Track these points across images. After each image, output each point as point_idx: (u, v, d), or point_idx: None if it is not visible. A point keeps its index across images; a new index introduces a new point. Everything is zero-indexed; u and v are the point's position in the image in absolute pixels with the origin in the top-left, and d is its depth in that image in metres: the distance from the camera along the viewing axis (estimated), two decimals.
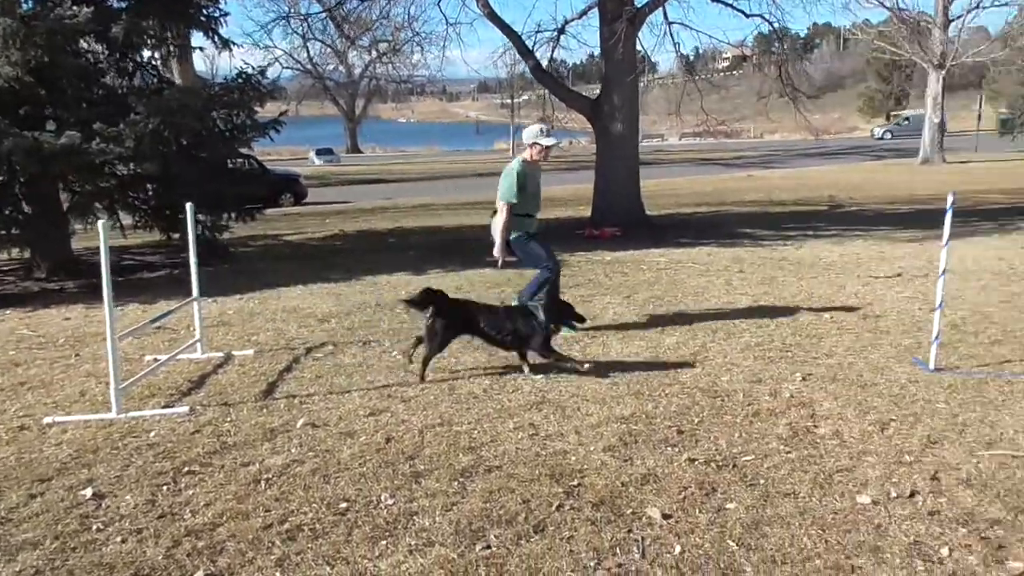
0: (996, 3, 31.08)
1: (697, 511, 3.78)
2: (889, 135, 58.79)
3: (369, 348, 6.82)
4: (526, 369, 5.93)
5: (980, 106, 44.15)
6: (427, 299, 5.86)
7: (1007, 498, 3.90)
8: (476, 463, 4.36)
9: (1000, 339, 6.71)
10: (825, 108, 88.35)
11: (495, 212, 6.97)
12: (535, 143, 6.92)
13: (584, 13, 15.76)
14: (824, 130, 56.76)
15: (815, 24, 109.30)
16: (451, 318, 5.86)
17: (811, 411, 5.07)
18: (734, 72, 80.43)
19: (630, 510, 3.81)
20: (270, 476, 4.26)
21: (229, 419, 5.15)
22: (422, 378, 5.81)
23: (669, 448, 4.52)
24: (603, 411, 5.12)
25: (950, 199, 5.84)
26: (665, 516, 3.74)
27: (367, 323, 7.76)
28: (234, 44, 12.38)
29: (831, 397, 5.32)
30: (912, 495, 3.93)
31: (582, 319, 6.43)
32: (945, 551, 3.42)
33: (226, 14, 12.01)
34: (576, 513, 3.78)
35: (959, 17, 31.86)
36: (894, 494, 3.93)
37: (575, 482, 4.11)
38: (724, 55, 79.62)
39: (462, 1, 19.01)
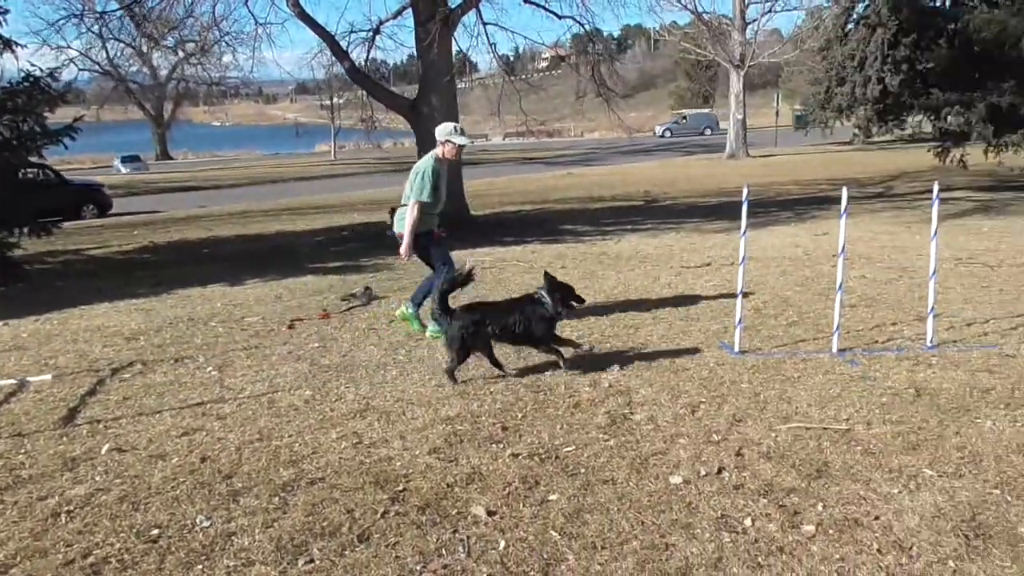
0: (786, 8, 33.63)
1: (521, 505, 3.85)
2: (669, 132, 62.17)
3: (182, 365, 6.49)
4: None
5: (777, 103, 47.52)
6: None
7: (801, 467, 4.21)
8: (297, 476, 4.24)
9: (796, 320, 7.24)
10: (639, 107, 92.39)
11: (393, 209, 6.96)
12: (448, 141, 6.94)
13: (398, 13, 15.71)
14: (638, 128, 59.43)
15: (627, 26, 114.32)
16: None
17: (628, 399, 5.28)
18: (552, 72, 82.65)
19: (455, 510, 3.82)
20: (71, 508, 3.96)
21: (23, 451, 4.75)
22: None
23: (494, 445, 4.58)
24: (429, 414, 5.12)
25: (744, 191, 6.25)
26: (490, 513, 3.78)
27: (179, 339, 7.38)
28: (18, 44, 11.44)
29: (647, 384, 5.56)
30: (719, 471, 4.17)
31: (581, 300, 6.28)
32: (748, 521, 3.66)
33: (6, 11, 11.06)
34: (401, 518, 3.75)
35: (754, 20, 34.24)
36: (703, 472, 4.16)
37: (400, 487, 4.08)
38: (543, 56, 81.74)
39: (271, 1, 18.44)
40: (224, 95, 69.66)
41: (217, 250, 14.06)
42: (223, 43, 24.03)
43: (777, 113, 46.97)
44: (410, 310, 7.38)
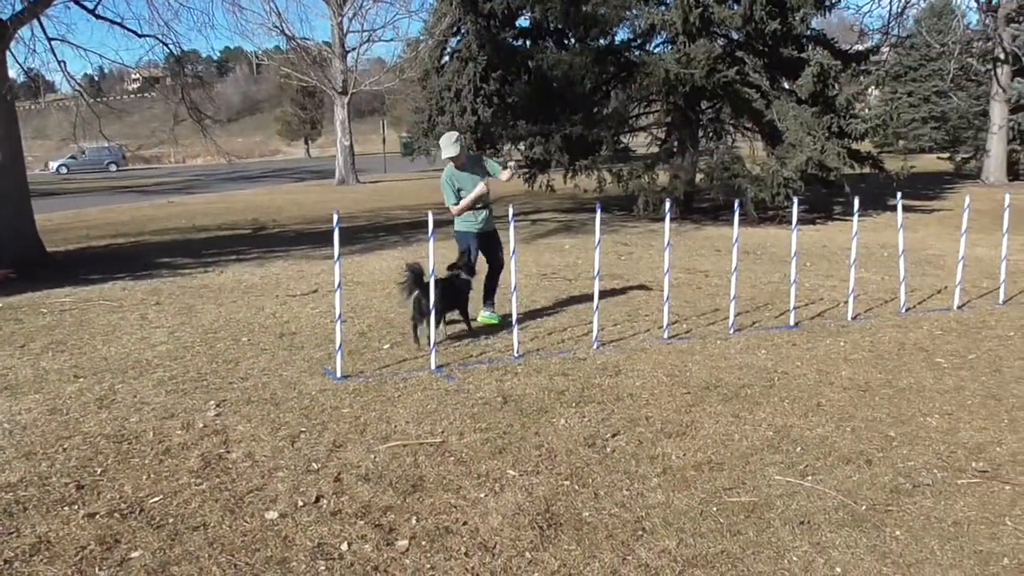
0: (383, 39, 34.96)
1: (96, 569, 3.50)
2: (65, 169, 54.81)
3: None
4: None
5: (384, 130, 49.17)
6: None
7: (398, 484, 4.37)
8: None
9: (399, 341, 7.49)
10: (246, 131, 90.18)
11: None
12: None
13: None
14: (244, 154, 56.92)
15: (227, 48, 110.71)
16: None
17: (224, 437, 5.07)
18: (146, 95, 77.17)
19: None
20: None
21: None
22: None
23: (66, 508, 4.10)
24: None
25: (335, 218, 6.36)
26: None
27: None
28: None
29: (245, 420, 5.39)
30: (317, 500, 4.17)
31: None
32: (345, 546, 3.70)
33: None
34: None
35: (354, 49, 35.01)
36: (301, 503, 4.13)
37: None
38: (134, 76, 76.02)
39: None
40: None
41: None
42: None
43: (384, 140, 48.61)
44: (487, 312, 8.18)
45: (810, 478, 4.47)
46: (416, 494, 4.27)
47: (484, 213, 8.08)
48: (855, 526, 3.94)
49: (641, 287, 10.03)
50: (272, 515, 3.98)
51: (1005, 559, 3.67)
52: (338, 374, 6.33)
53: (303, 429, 5.21)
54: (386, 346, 7.36)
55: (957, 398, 5.81)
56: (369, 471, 4.55)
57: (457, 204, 7.89)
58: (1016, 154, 28.29)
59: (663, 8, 17.94)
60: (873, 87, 20.59)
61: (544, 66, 18.98)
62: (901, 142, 41.67)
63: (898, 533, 3.88)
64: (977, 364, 6.65)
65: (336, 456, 4.78)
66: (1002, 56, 26.71)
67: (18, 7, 12.75)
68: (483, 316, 8.18)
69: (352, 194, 30.55)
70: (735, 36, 18.17)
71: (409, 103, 41.74)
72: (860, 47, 22.27)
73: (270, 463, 4.66)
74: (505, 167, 8.07)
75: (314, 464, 4.65)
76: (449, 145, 7.78)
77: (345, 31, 33.93)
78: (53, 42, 13.80)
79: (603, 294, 8.08)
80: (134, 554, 3.62)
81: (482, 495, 4.27)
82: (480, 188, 7.81)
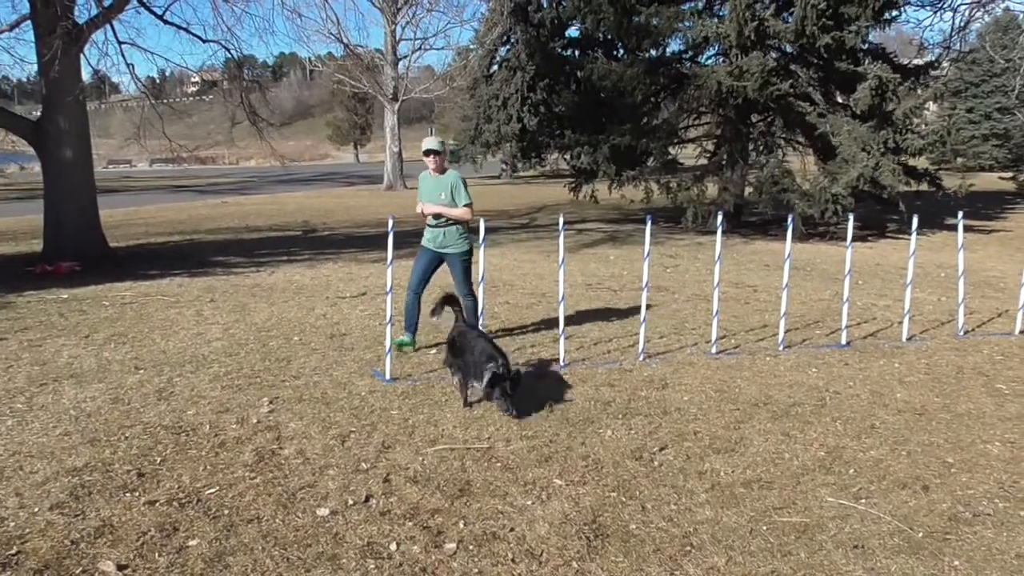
0: (435, 47, 35.31)
1: (156, 555, 3.61)
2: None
3: None
4: None
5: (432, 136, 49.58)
6: None
7: (445, 488, 4.41)
8: None
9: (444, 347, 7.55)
10: (298, 135, 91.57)
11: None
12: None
13: (16, 25, 13.97)
14: (295, 157, 57.95)
15: (282, 54, 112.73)
16: None
17: (277, 434, 5.17)
18: (204, 98, 78.90)
19: (80, 568, 3.48)
20: None
21: None
22: None
23: (128, 494, 4.24)
24: (51, 466, 4.60)
25: (390, 223, 6.45)
26: (121, 567, 3.50)
27: None
28: None
29: (297, 417, 5.49)
30: (367, 499, 4.23)
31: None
32: (393, 546, 3.75)
33: None
34: None
35: (406, 57, 35.43)
36: (351, 502, 4.19)
37: (14, 550, 3.62)
38: (192, 80, 77.78)
39: None
40: None
41: None
42: None
43: None
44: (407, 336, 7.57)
45: (864, 501, 4.40)
46: (463, 498, 4.31)
47: (438, 233, 7.29)
48: (911, 553, 3.85)
49: (688, 300, 9.98)
50: (323, 512, 4.06)
51: None
52: (387, 376, 6.40)
53: (353, 429, 5.28)
54: (433, 351, 7.43)
55: (1020, 426, 5.64)
56: (417, 473, 4.60)
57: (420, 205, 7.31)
58: None
59: (716, 20, 17.84)
60: (932, 102, 20.21)
61: (593, 76, 18.98)
62: (960, 159, 40.82)
63: (957, 563, 3.78)
64: None
65: (385, 457, 4.84)
66: None
67: (94, 11, 13.14)
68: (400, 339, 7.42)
69: (400, 199, 30.80)
70: (788, 49, 18.01)
71: (457, 111, 42.02)
72: (919, 61, 21.90)
73: (321, 461, 4.74)
74: (467, 206, 7.19)
75: (364, 464, 4.72)
76: (432, 142, 7.33)
77: (398, 39, 34.37)
78: (123, 45, 14.18)
79: (649, 306, 8.05)
80: (191, 542, 3.72)
81: (529, 502, 4.29)
82: (423, 207, 7.24)
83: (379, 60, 35.98)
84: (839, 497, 4.44)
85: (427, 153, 7.22)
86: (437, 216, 7.20)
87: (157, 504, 4.11)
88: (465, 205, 7.14)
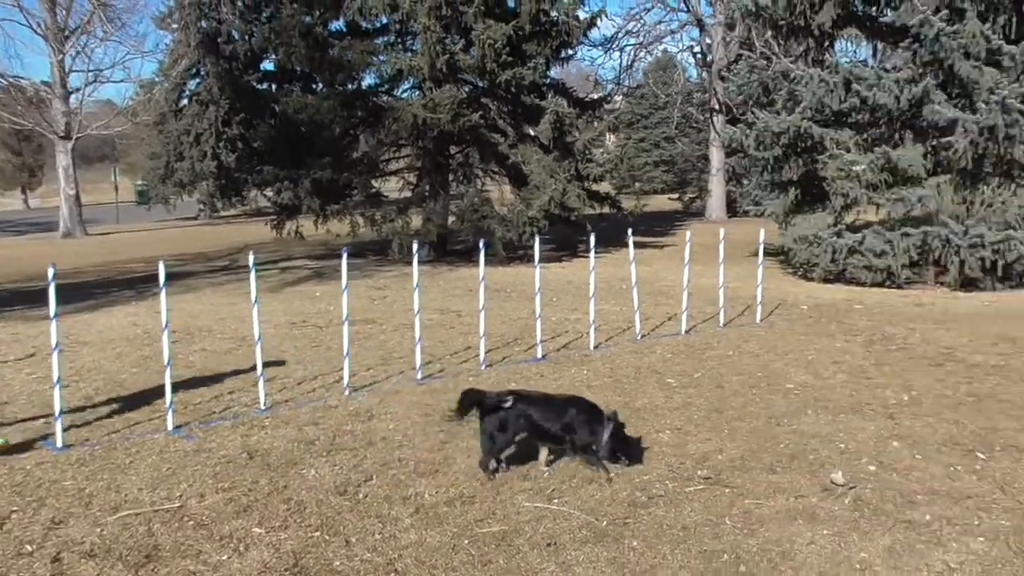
0: (112, 80, 32.67)
1: None
2: None
3: None
4: None
5: (115, 178, 45.57)
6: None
7: (128, 557, 4.01)
8: None
9: (131, 403, 6.91)
10: None
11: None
12: None
13: None
14: None
15: None
16: None
17: None
18: None
19: None
20: None
21: None
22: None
23: None
24: None
25: (51, 272, 5.79)
26: None
27: None
28: None
29: None
30: None
31: None
32: None
33: None
34: None
35: (78, 90, 32.30)
36: None
37: None
38: None
39: None
40: None
41: None
42: None
43: (116, 188, 45.03)
44: None
45: (556, 501, 4.66)
46: (150, 565, 3.95)
47: None
48: (596, 541, 4.15)
49: (395, 330, 10.02)
50: None
51: (725, 555, 4.02)
52: (59, 444, 5.71)
53: (15, 509, 4.64)
54: (116, 409, 6.76)
55: (685, 413, 6.32)
56: (95, 546, 4.13)
57: None
58: (733, 193, 31.59)
59: (409, 55, 18.30)
60: (609, 133, 22.29)
61: (290, 110, 18.69)
62: (637, 184, 45.07)
63: (635, 543, 4.13)
64: (702, 382, 7.27)
65: (55, 534, 4.30)
66: (716, 106, 29.81)
67: None
68: None
69: (79, 247, 28.12)
70: (479, 83, 18.92)
71: (144, 148, 39.33)
72: (595, 96, 24.02)
73: None
74: None
75: (28, 547, 4.15)
76: None
77: (68, 70, 31.25)
78: None
79: (356, 339, 7.98)
80: None
81: (224, 557, 4.03)
82: None
83: (45, 93, 32.51)
84: (535, 500, 4.67)
85: None
86: None
87: None
88: None
